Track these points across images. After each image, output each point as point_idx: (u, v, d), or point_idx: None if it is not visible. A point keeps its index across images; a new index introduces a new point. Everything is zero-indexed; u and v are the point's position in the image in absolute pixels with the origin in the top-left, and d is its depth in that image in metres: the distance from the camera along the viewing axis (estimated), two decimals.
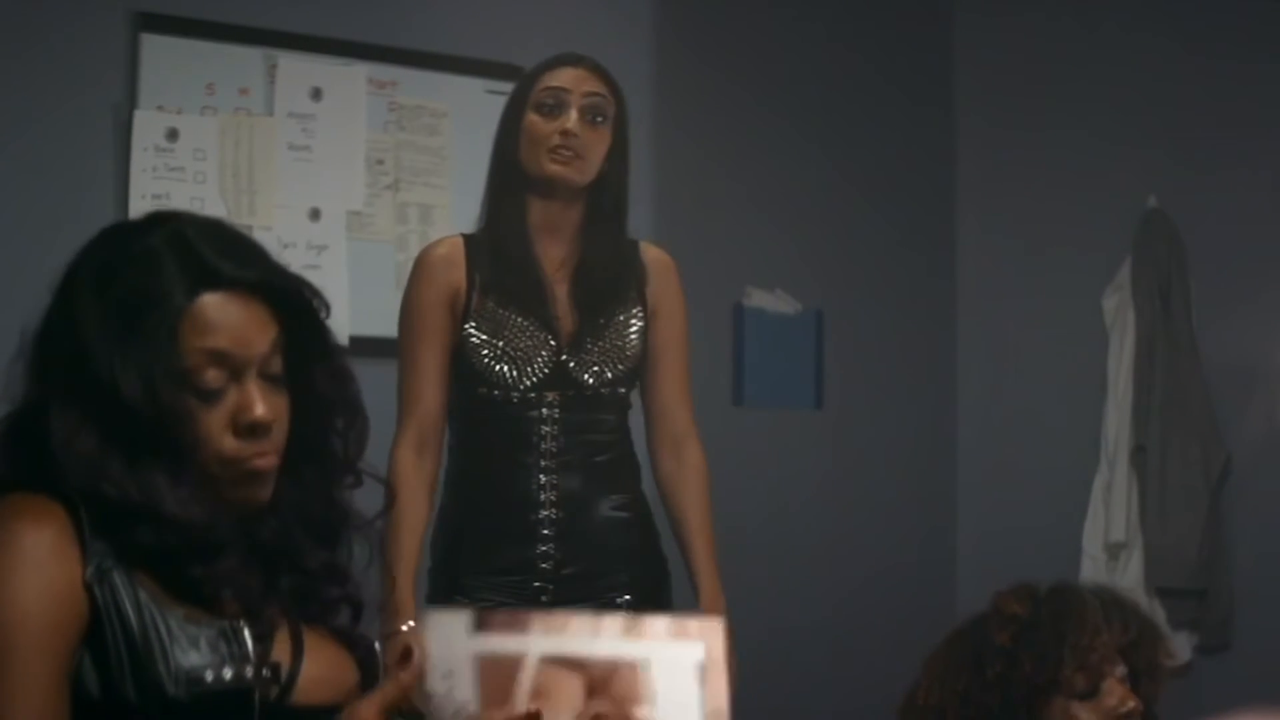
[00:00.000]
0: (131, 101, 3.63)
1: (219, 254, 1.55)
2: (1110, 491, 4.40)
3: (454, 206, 3.93)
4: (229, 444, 1.53)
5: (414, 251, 3.88)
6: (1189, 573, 4.22)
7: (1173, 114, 4.47)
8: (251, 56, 3.77)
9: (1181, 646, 4.31)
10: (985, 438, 4.82)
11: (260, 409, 1.53)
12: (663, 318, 2.94)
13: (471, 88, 3.99)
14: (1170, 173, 4.45)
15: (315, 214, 3.82)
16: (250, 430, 1.53)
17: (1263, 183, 4.28)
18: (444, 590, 2.82)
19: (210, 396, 1.53)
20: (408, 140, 3.94)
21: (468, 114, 3.96)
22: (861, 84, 4.77)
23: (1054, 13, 4.76)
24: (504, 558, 2.81)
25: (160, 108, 3.65)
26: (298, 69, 3.82)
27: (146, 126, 3.63)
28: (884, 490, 4.71)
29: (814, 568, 4.54)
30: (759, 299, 4.51)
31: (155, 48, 3.64)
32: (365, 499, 1.70)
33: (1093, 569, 4.42)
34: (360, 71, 3.89)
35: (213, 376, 1.53)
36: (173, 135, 3.65)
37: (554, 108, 2.83)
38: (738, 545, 4.39)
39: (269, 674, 1.53)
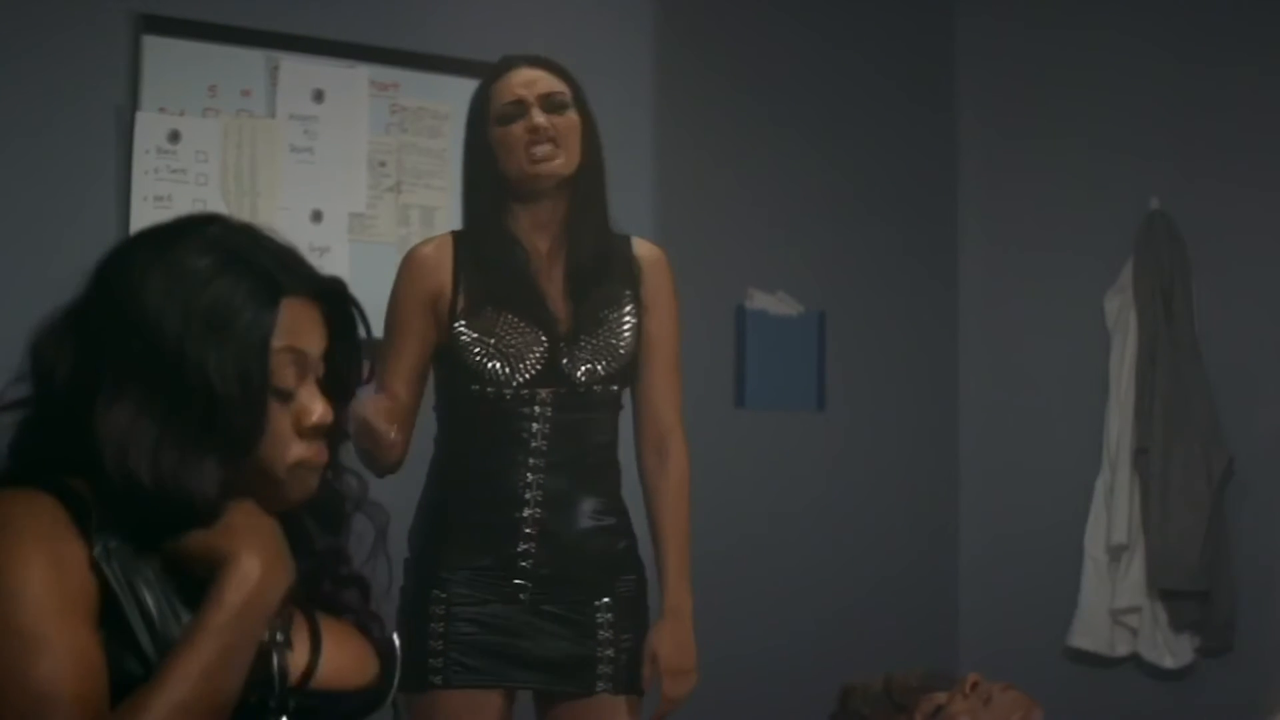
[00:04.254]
0: (133, 103, 3.63)
1: (278, 266, 1.63)
2: (1112, 493, 4.40)
3: (456, 208, 3.88)
4: (296, 449, 1.59)
5: None
6: (1191, 575, 4.21)
7: (1174, 116, 4.47)
8: (253, 58, 3.78)
9: (1183, 649, 4.31)
10: (987, 439, 4.82)
11: (320, 409, 1.60)
12: (654, 314, 2.92)
13: (473, 89, 3.98)
14: (1172, 175, 4.45)
15: (317, 216, 3.83)
16: (313, 432, 1.60)
17: (1264, 184, 4.28)
18: (422, 582, 2.80)
19: (286, 397, 1.59)
20: (410, 142, 3.94)
21: None
22: (863, 86, 4.77)
23: (1055, 15, 4.76)
24: (485, 554, 2.80)
25: (162, 109, 3.66)
26: (300, 71, 3.82)
27: (148, 128, 3.63)
28: (886, 492, 4.71)
29: (816, 569, 4.54)
30: (761, 301, 4.51)
31: (157, 49, 3.65)
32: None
33: (1094, 571, 4.42)
34: (362, 73, 3.90)
35: (289, 375, 1.59)
36: (175, 137, 3.66)
37: (515, 116, 2.84)
38: (739, 546, 4.40)
39: (282, 638, 1.55)
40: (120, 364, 1.54)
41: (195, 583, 1.53)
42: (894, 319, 4.78)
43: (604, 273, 2.88)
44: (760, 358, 4.49)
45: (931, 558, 4.79)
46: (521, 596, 2.80)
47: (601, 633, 2.83)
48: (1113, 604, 4.38)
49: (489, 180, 2.87)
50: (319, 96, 3.85)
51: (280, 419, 1.58)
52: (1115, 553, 4.38)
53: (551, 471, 2.81)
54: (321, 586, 1.67)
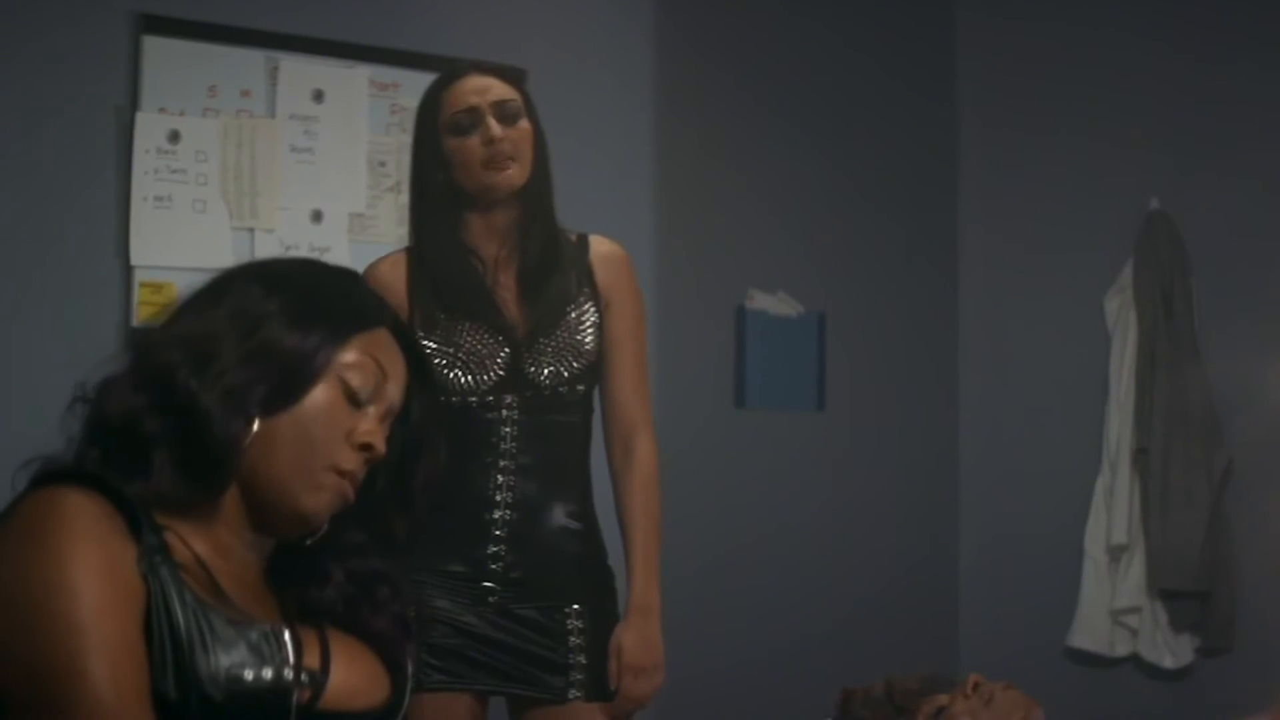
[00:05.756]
0: (133, 103, 3.63)
1: (382, 307, 1.75)
2: (1112, 494, 4.40)
3: None
4: (343, 451, 1.64)
5: None
6: (1191, 575, 4.21)
7: (1175, 116, 4.47)
8: (253, 58, 3.77)
9: (1183, 649, 4.31)
10: (987, 439, 4.82)
11: (378, 437, 1.66)
12: (614, 310, 2.90)
13: None
14: (1172, 175, 4.45)
15: (317, 216, 3.82)
16: (360, 449, 1.65)
17: (1264, 185, 4.28)
18: None
19: (355, 401, 1.65)
20: (409, 142, 3.93)
21: None
22: (864, 86, 4.78)
23: (1056, 15, 4.77)
24: (454, 556, 2.79)
25: (162, 109, 3.66)
26: (299, 71, 3.82)
27: (148, 128, 3.63)
28: (886, 492, 4.71)
29: (816, 569, 4.54)
30: (761, 301, 4.51)
31: (157, 50, 3.65)
32: None
33: (1094, 571, 4.42)
34: (362, 73, 3.90)
35: (363, 379, 1.65)
36: (174, 137, 3.66)
37: (470, 126, 2.83)
38: (738, 546, 4.40)
39: (306, 679, 1.55)
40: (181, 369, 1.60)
41: (226, 620, 1.53)
42: (894, 319, 4.78)
43: (555, 272, 2.87)
44: (760, 358, 4.49)
45: (932, 558, 4.79)
46: (491, 599, 2.79)
47: (573, 639, 2.82)
48: (1113, 604, 4.38)
49: (440, 188, 2.86)
50: (319, 96, 3.84)
51: (343, 414, 1.63)
52: (1115, 553, 4.39)
53: (522, 474, 2.81)
54: (359, 610, 1.68)
